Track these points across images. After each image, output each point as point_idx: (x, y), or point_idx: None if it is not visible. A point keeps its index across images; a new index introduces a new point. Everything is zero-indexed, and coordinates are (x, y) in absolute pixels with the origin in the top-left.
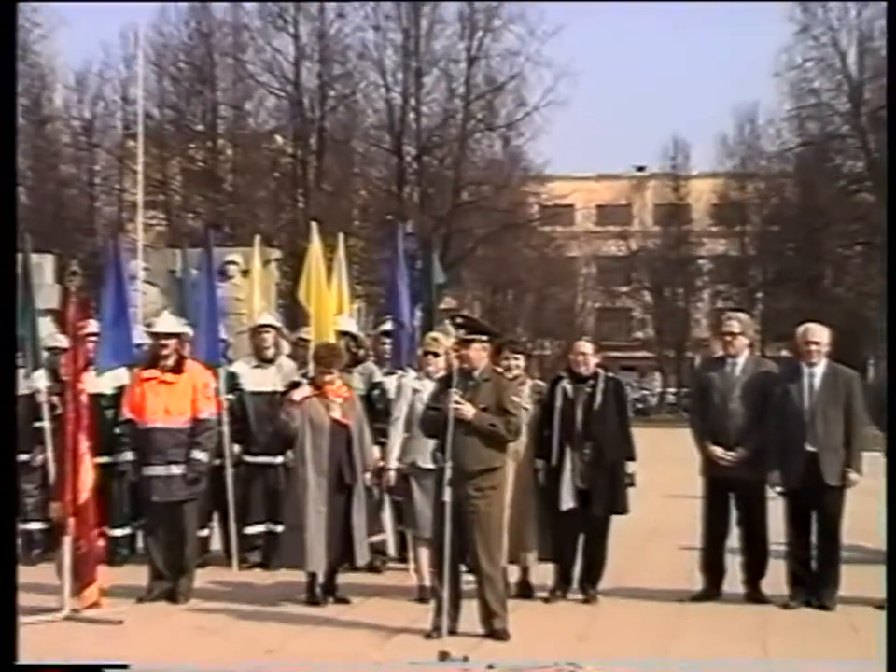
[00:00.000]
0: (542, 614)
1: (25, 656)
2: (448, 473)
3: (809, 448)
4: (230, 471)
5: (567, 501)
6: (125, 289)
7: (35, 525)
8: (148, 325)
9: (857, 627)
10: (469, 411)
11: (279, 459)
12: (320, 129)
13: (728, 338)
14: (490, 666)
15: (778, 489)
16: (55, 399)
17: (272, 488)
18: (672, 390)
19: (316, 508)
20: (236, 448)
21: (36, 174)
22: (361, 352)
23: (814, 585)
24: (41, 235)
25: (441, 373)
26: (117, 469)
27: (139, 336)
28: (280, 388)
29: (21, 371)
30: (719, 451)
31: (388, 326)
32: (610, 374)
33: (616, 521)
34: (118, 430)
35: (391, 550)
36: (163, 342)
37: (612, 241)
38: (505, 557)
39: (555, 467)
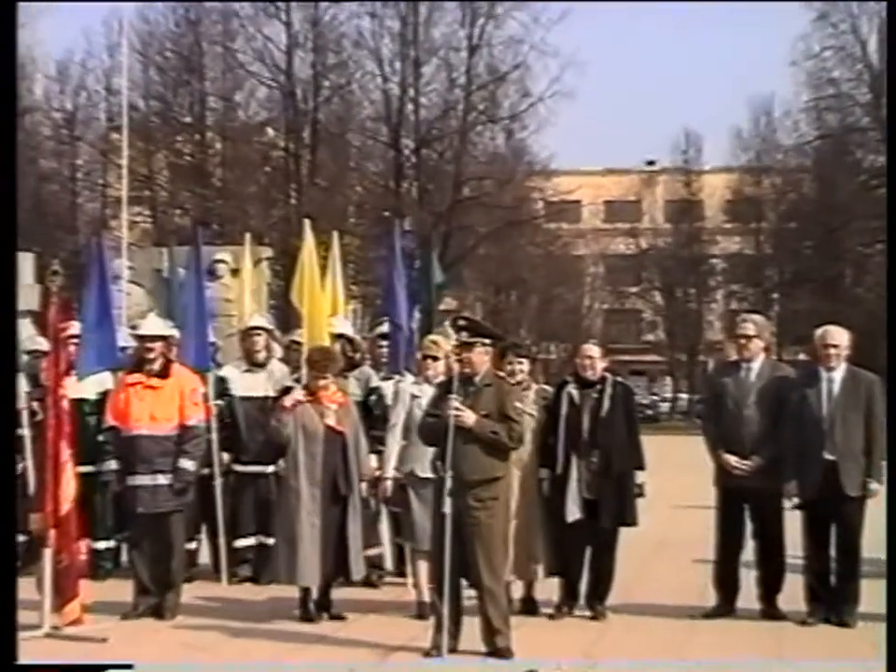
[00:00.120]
0: (548, 631)
1: None
2: (448, 483)
3: (828, 457)
4: (218, 481)
5: (574, 512)
6: (109, 290)
7: None
8: (133, 327)
9: (878, 645)
10: (469, 417)
11: (270, 468)
12: (314, 121)
13: (743, 341)
14: None
15: (795, 500)
16: (35, 404)
17: (263, 499)
18: (684, 396)
19: (310, 520)
20: (225, 456)
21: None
22: (357, 355)
23: (833, 601)
24: (20, 233)
25: (441, 378)
26: (100, 478)
27: (123, 339)
28: (272, 394)
29: None
30: (733, 459)
31: (385, 328)
32: (619, 379)
33: (624, 533)
34: (101, 438)
35: (388, 563)
36: (149, 345)
37: (621, 239)
38: (511, 572)
39: (561, 476)
